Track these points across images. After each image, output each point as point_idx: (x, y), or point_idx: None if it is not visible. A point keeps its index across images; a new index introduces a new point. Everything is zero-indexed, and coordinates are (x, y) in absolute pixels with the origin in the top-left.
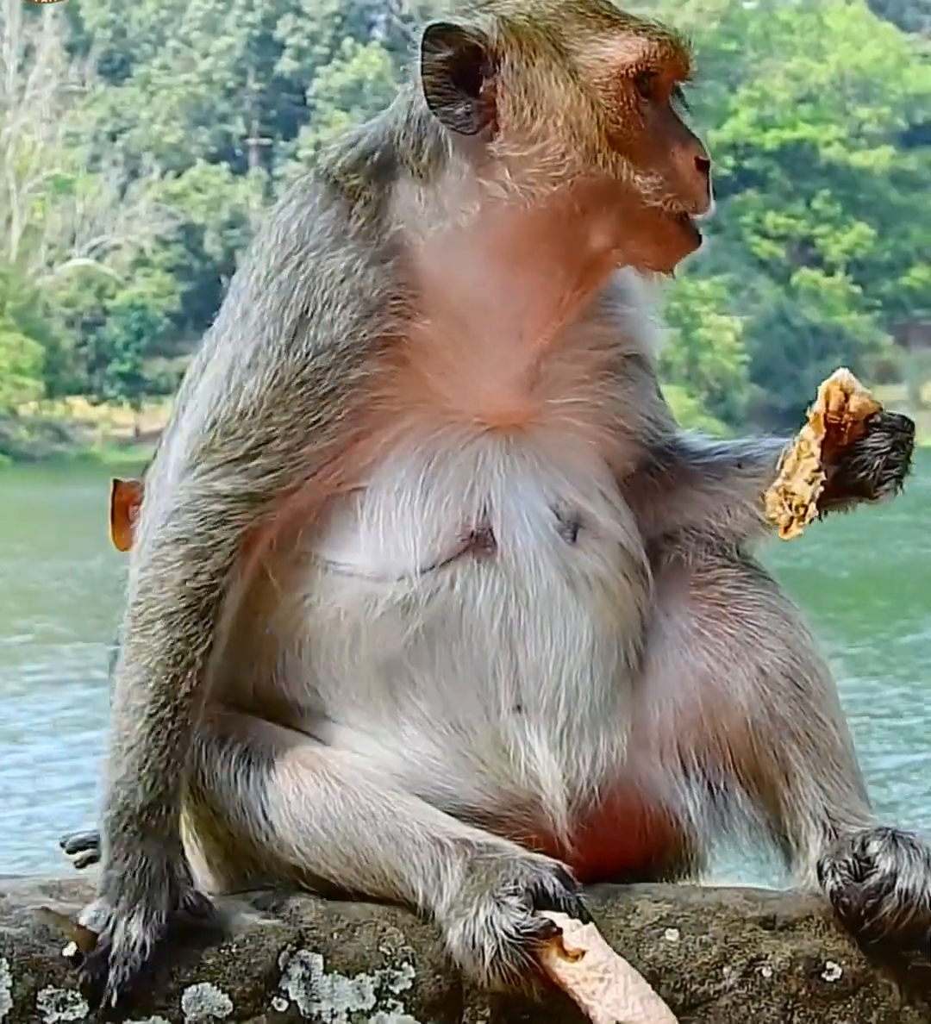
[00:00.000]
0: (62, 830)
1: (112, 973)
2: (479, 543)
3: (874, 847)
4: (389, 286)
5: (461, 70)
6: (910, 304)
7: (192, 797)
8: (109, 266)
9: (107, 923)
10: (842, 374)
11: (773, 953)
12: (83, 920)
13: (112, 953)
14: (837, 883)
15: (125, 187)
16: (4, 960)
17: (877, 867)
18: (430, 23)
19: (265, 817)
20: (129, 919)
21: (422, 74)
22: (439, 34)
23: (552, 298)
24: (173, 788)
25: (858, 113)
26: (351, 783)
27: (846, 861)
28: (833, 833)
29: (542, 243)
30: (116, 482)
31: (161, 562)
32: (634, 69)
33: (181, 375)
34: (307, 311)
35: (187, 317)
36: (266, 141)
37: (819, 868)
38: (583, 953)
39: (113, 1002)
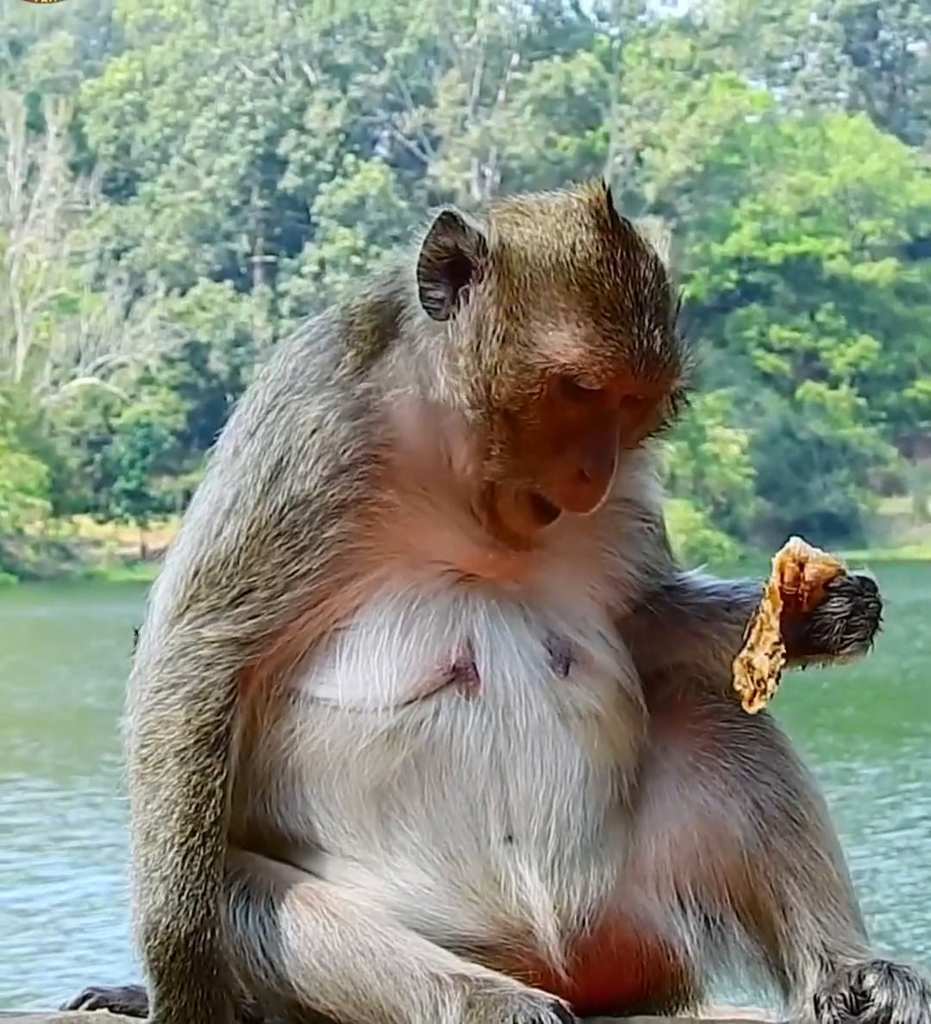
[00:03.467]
0: None
1: None
2: (461, 677)
3: (870, 980)
4: (358, 448)
5: (454, 262)
6: (915, 416)
7: None
8: (114, 384)
9: None
10: (794, 543)
11: None
12: None
13: None
14: (833, 1017)
15: (130, 305)
16: None
17: (873, 1000)
18: (447, 209)
19: (264, 953)
20: None
21: (422, 246)
22: (450, 222)
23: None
24: (214, 912)
25: (861, 226)
26: (348, 918)
27: (842, 995)
28: (830, 966)
29: (460, 442)
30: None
31: (162, 706)
32: (557, 370)
33: (187, 493)
34: (283, 460)
35: (192, 435)
36: (270, 258)
37: (816, 1001)
38: None
39: None
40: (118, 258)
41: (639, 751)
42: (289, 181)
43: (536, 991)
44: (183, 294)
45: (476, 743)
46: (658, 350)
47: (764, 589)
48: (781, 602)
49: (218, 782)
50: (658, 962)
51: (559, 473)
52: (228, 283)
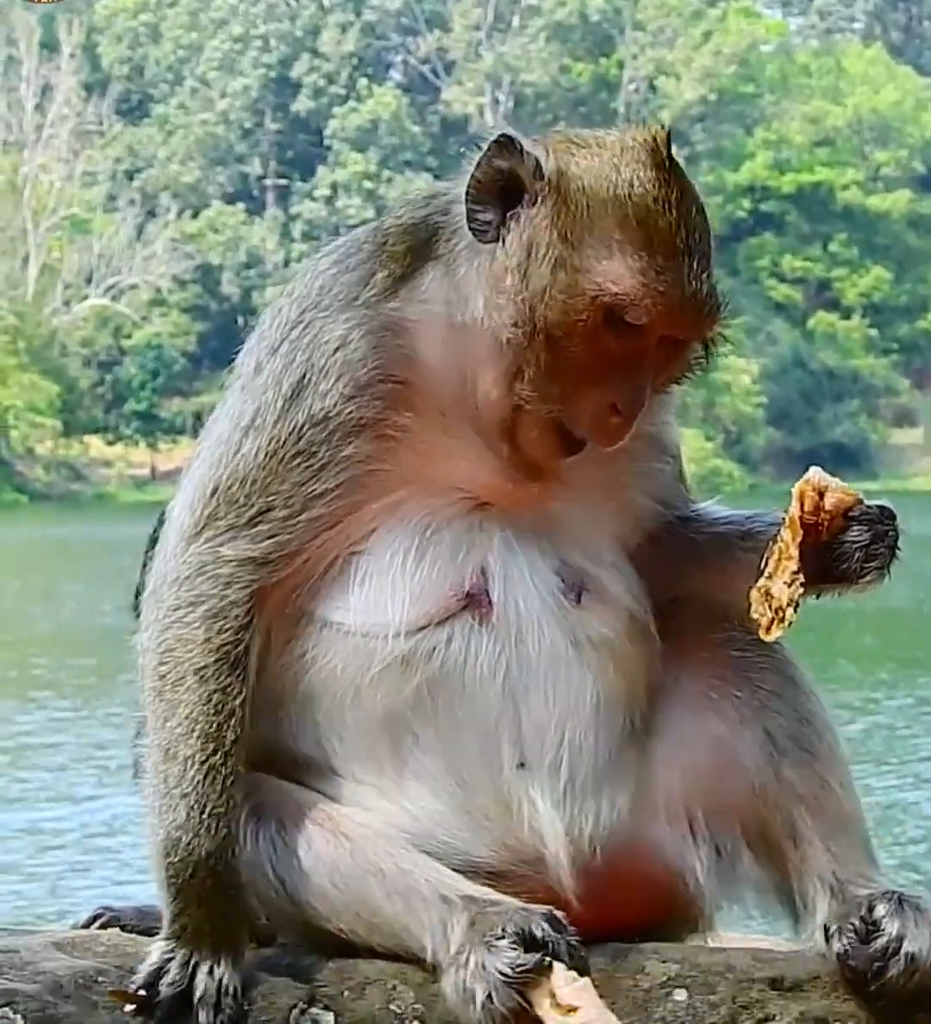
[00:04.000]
0: None
1: (203, 1016)
2: (474, 604)
3: (881, 910)
4: (380, 368)
5: (506, 185)
6: (927, 347)
7: None
8: (126, 306)
9: (185, 966)
10: (814, 473)
11: (781, 1014)
12: (152, 961)
13: (199, 997)
14: (844, 946)
15: (142, 227)
16: (19, 1017)
17: (884, 930)
18: (505, 132)
19: (275, 873)
20: (215, 964)
21: (474, 168)
22: (507, 144)
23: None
24: (234, 831)
25: (875, 156)
26: (360, 840)
27: (853, 924)
28: (840, 896)
29: (488, 366)
30: None
31: (181, 624)
32: (607, 299)
33: (197, 414)
34: (305, 377)
35: (203, 357)
36: (283, 181)
37: (826, 930)
38: (576, 1009)
39: None
40: (131, 179)
41: (651, 681)
42: (302, 104)
43: (532, 905)
44: (195, 216)
45: (489, 670)
46: (704, 294)
47: (782, 519)
48: (801, 531)
49: (237, 702)
50: (669, 890)
51: (590, 404)
52: (240, 206)
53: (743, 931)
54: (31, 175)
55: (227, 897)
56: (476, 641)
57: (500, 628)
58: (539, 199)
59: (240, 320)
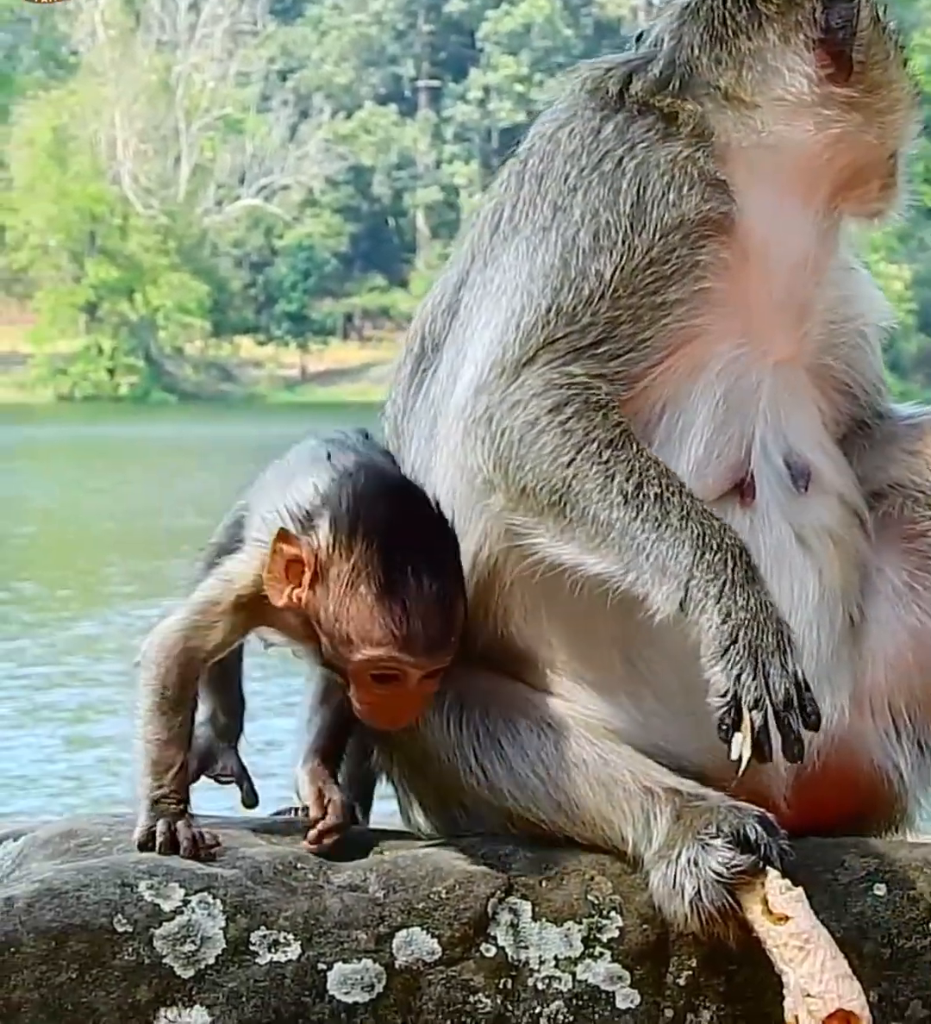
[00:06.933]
0: None
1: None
2: (739, 490)
3: None
4: (713, 175)
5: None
6: None
7: (406, 738)
8: (277, 206)
9: None
10: None
11: None
12: None
13: None
14: None
15: (295, 127)
16: (218, 901)
17: None
18: None
19: (477, 760)
20: None
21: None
22: None
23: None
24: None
25: None
26: (564, 730)
27: None
28: None
29: (824, 181)
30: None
31: (555, 427)
32: None
33: (348, 315)
34: (643, 192)
35: (354, 258)
36: (435, 83)
37: None
38: (788, 918)
39: None
40: (284, 79)
41: (865, 573)
42: (455, 6)
43: (743, 804)
44: (348, 117)
45: None
46: None
47: None
48: None
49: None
50: (872, 787)
51: None
52: (392, 107)
53: None
54: (184, 75)
55: None
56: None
57: (752, 517)
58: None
59: (391, 221)
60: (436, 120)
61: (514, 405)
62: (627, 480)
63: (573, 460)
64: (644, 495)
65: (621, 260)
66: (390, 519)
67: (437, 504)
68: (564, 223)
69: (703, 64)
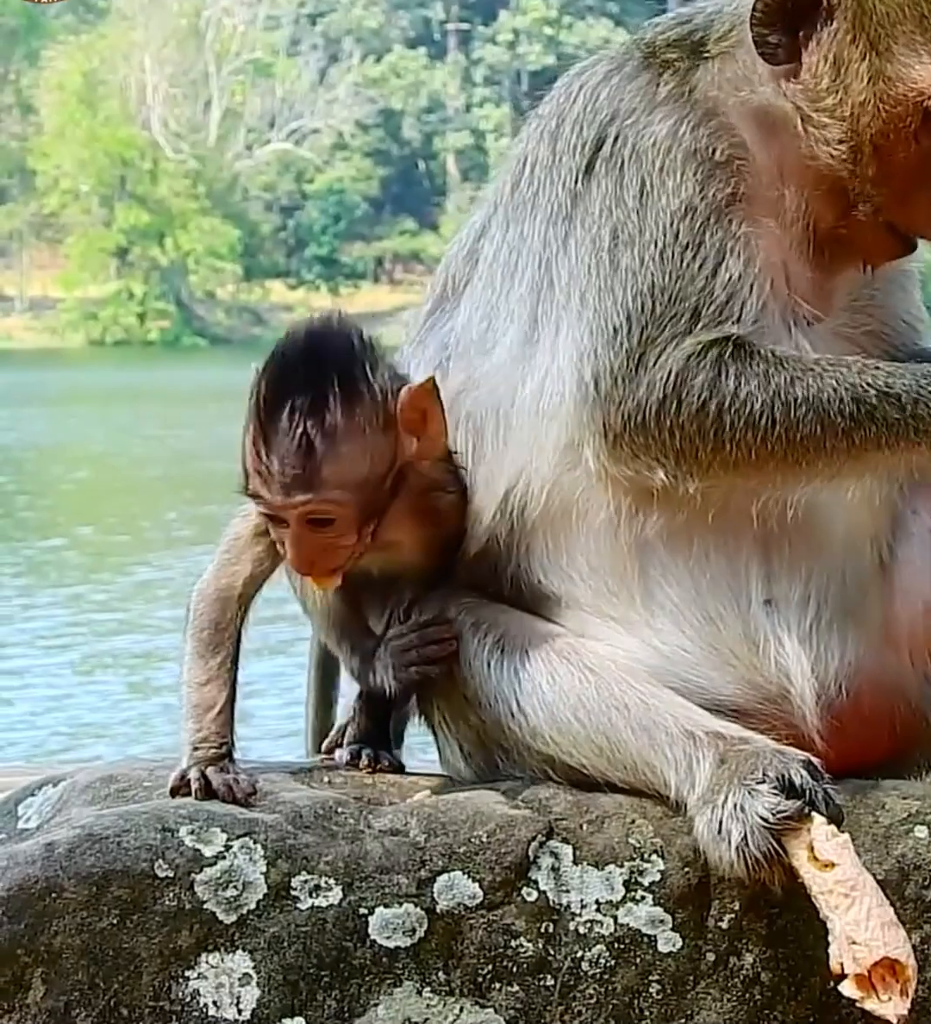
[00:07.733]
0: None
1: None
2: None
3: None
4: (724, 146)
5: (794, 5)
6: None
7: (446, 683)
8: (308, 150)
9: None
10: None
11: None
12: None
13: None
14: None
15: (325, 71)
16: (259, 846)
17: None
18: None
19: (518, 705)
20: None
21: None
22: None
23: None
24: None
25: None
26: (605, 674)
27: None
28: None
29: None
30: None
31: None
32: (928, 104)
33: (378, 260)
34: (645, 183)
35: (385, 202)
36: (465, 26)
37: None
38: (834, 865)
39: None
40: (314, 23)
41: (894, 515)
42: None
43: (788, 748)
44: (378, 60)
45: (747, 503)
46: None
47: None
48: None
49: None
50: (910, 728)
51: (926, 201)
52: (422, 50)
53: None
54: (214, 18)
55: None
56: None
57: None
58: (834, 17)
59: (421, 165)
60: (466, 63)
61: (664, 380)
62: (830, 396)
63: (771, 412)
64: (860, 389)
65: (651, 250)
66: (275, 368)
67: (347, 356)
68: (579, 219)
69: (720, 34)
